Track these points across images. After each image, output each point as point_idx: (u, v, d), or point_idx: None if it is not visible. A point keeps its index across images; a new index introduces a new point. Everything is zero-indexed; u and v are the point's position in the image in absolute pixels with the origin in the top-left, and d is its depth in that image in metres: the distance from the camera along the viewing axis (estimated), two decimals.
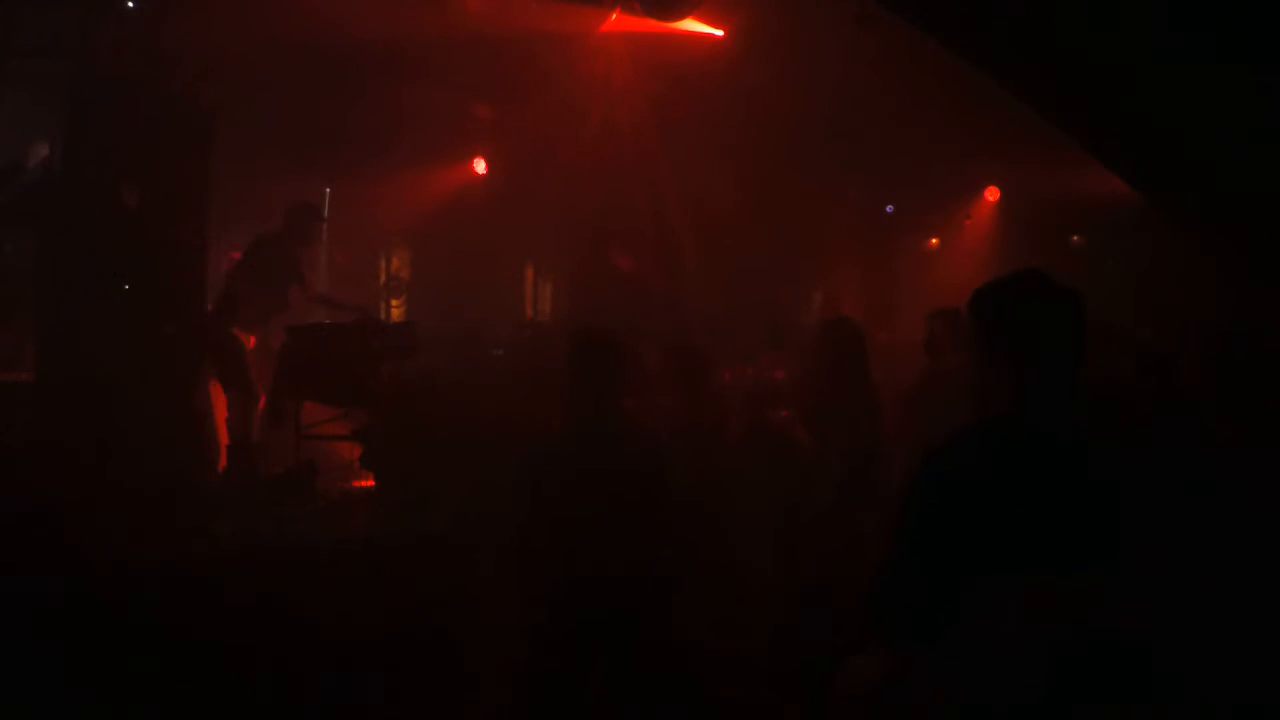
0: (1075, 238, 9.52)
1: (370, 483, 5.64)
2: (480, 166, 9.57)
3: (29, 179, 6.06)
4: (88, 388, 5.08)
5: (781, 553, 4.23)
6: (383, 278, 10.02)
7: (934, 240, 11.11)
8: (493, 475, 3.96)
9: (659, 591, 3.17)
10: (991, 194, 10.23)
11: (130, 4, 5.83)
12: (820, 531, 4.25)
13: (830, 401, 4.63)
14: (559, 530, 3.10)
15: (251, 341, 6.31)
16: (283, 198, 6.69)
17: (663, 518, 3.18)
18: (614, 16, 7.57)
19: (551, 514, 3.11)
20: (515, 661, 3.18)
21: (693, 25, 7.58)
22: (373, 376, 5.76)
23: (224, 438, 6.11)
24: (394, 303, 9.71)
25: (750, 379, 6.16)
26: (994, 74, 4.51)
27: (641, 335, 5.80)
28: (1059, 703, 1.75)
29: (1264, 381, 2.76)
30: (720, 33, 7.65)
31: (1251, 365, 2.79)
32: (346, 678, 3.77)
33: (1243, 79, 3.56)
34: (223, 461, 6.00)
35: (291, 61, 6.89)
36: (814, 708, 3.81)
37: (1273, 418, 2.69)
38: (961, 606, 1.82)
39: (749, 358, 6.63)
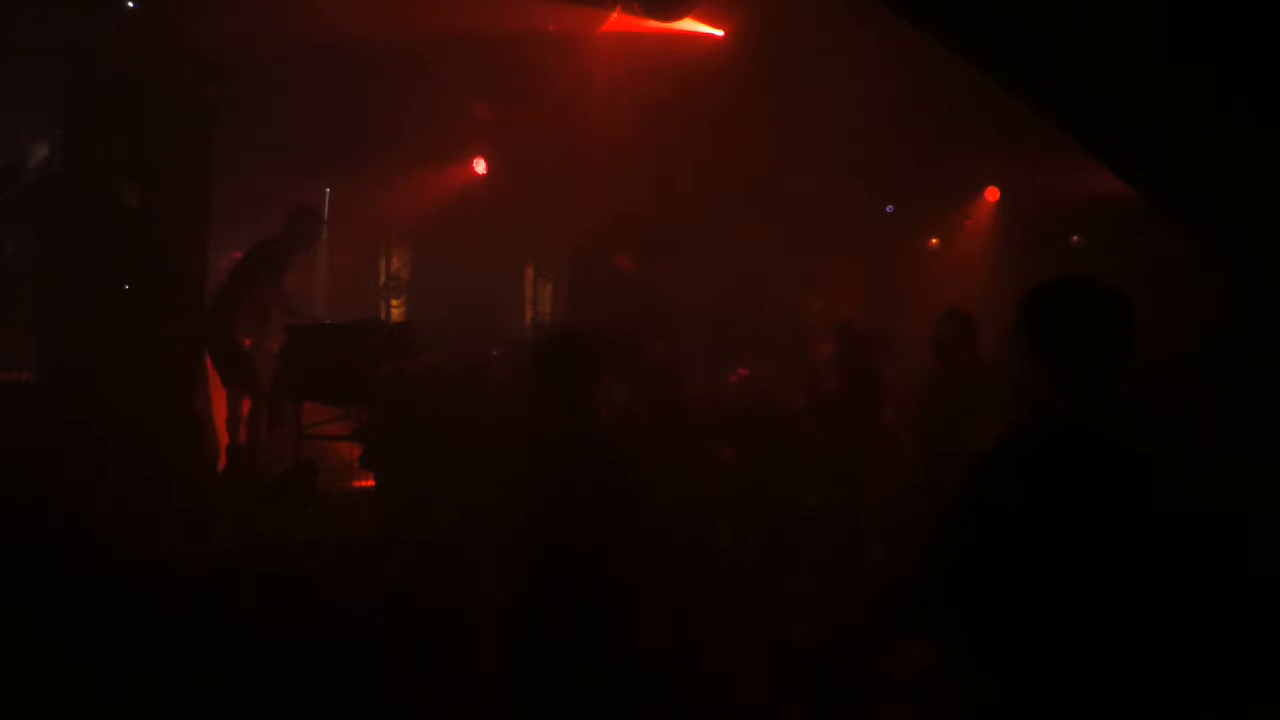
0: (1075, 238, 9.51)
1: (370, 483, 5.64)
2: (480, 166, 9.56)
3: (29, 179, 6.07)
4: (88, 388, 5.09)
5: (780, 549, 4.24)
6: (383, 278, 10.01)
7: (934, 240, 11.11)
8: (492, 475, 3.96)
9: (621, 595, 3.10)
10: (991, 194, 10.23)
11: (130, 4, 5.83)
12: (821, 529, 4.27)
13: (836, 403, 4.66)
14: (523, 531, 3.08)
15: (246, 343, 6.31)
16: (283, 198, 6.67)
17: (627, 522, 3.11)
18: (614, 16, 7.56)
19: (519, 515, 3.10)
20: (501, 660, 3.16)
21: (692, 25, 7.58)
22: (373, 376, 5.75)
23: (224, 438, 6.11)
24: (394, 303, 9.70)
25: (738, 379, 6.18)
26: (994, 74, 4.50)
27: (641, 335, 5.82)
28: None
29: (1258, 382, 2.77)
30: (720, 33, 7.65)
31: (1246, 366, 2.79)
32: (346, 677, 3.78)
33: (1242, 79, 3.56)
34: (222, 461, 6.00)
35: (291, 61, 6.89)
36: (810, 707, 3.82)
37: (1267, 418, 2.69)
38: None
39: (737, 359, 6.65)
